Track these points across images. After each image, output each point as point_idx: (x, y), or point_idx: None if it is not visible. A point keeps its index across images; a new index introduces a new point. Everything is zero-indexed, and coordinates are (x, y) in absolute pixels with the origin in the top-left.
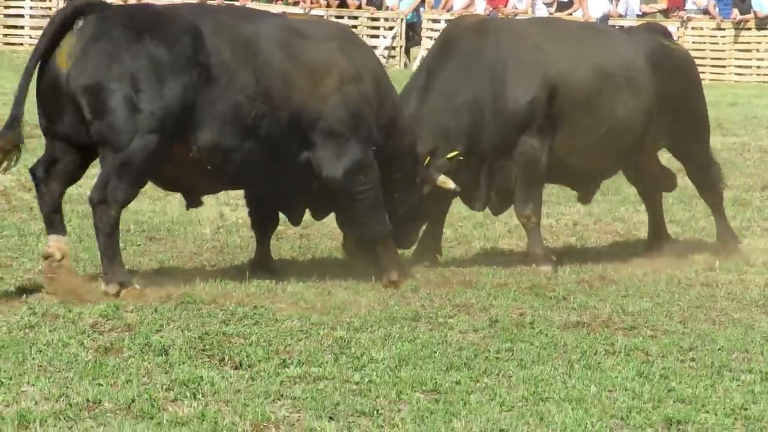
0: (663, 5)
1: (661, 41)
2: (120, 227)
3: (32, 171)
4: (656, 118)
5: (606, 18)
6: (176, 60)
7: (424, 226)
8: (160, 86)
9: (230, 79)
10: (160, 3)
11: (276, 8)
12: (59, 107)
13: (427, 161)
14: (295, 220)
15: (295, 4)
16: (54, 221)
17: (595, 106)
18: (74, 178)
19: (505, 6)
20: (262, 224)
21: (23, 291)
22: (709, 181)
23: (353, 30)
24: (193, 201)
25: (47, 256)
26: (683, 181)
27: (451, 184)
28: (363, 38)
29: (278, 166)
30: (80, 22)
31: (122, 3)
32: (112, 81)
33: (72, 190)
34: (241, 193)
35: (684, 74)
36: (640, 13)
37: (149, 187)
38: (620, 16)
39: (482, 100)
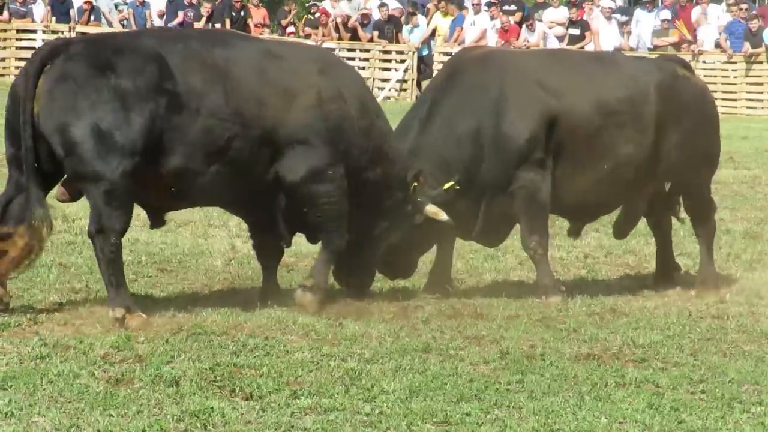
0: (675, 38)
1: (676, 72)
2: (132, 258)
3: None
4: (663, 152)
5: (619, 51)
6: (140, 89)
7: (421, 257)
8: (125, 116)
9: (200, 103)
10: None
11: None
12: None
13: (413, 188)
14: (285, 239)
15: (307, 36)
16: None
17: (596, 142)
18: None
19: (517, 39)
20: (265, 253)
21: (34, 322)
22: (705, 215)
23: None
24: (157, 221)
25: None
26: None
27: (443, 216)
28: (375, 71)
29: (249, 183)
30: (48, 66)
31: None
32: (79, 118)
33: (83, 222)
34: None
35: (697, 108)
36: (652, 47)
37: None
38: (631, 49)
39: (482, 132)
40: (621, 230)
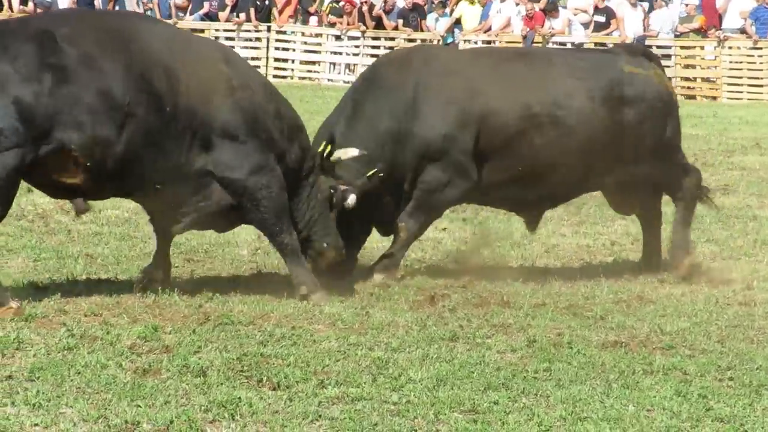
0: (697, 24)
1: (621, 68)
2: None
3: None
4: (609, 147)
5: (643, 38)
6: (18, 71)
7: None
8: (6, 101)
9: (95, 72)
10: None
11: (310, 30)
12: None
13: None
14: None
15: (332, 25)
16: None
17: (520, 143)
18: None
19: (542, 26)
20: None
21: (61, 313)
22: (682, 192)
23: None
24: (80, 207)
25: None
26: (720, 200)
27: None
28: None
29: (167, 170)
30: None
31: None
32: None
33: (110, 213)
34: None
35: (643, 103)
36: (678, 33)
37: None
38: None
39: (401, 132)
40: (621, 211)
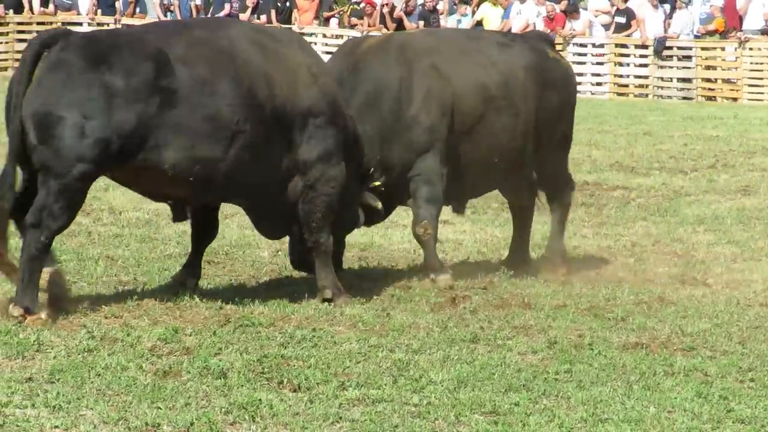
0: (713, 26)
1: (547, 53)
2: (179, 251)
3: None
4: (534, 132)
5: (663, 39)
6: (131, 88)
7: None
8: (110, 115)
9: (205, 97)
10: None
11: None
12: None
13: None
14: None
15: (353, 27)
16: None
17: (477, 128)
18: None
19: (563, 27)
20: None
21: (82, 315)
22: (559, 193)
23: None
24: (179, 215)
25: None
26: (741, 201)
27: (378, 204)
28: None
29: (267, 172)
30: (45, 53)
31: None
32: (62, 109)
33: (130, 215)
34: None
35: (563, 90)
36: (698, 34)
37: None
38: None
39: (389, 128)
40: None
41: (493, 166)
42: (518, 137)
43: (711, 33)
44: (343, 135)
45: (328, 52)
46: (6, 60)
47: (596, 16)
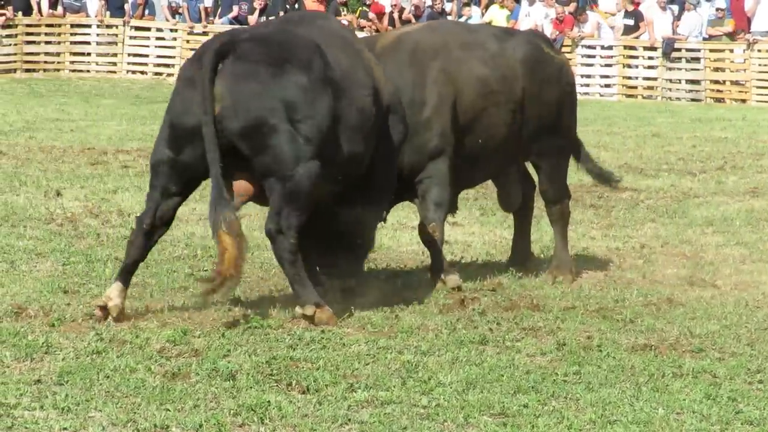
0: (729, 28)
1: (542, 48)
2: (188, 252)
3: (139, 219)
4: (528, 127)
5: (672, 41)
6: (316, 83)
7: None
8: (311, 112)
9: (353, 83)
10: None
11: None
12: (195, 149)
13: None
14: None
15: (362, 29)
16: (132, 271)
17: (476, 122)
18: (170, 222)
19: (571, 30)
20: None
21: (90, 317)
22: (559, 196)
23: None
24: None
25: (104, 308)
26: (750, 203)
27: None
28: None
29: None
30: (220, 65)
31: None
32: (268, 116)
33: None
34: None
35: (559, 84)
36: (707, 36)
37: None
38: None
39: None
40: (508, 204)
41: (487, 159)
42: (514, 129)
43: (729, 35)
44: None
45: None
46: (15, 62)
47: (606, 19)
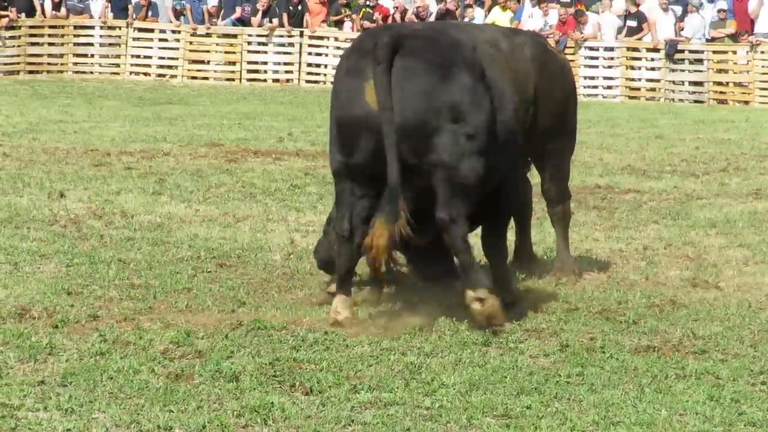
0: (731, 29)
1: (547, 46)
2: (191, 254)
3: (338, 228)
4: (534, 127)
5: (675, 43)
6: (479, 81)
7: None
8: (477, 110)
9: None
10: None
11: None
12: (365, 145)
13: None
14: None
15: (365, 30)
16: (350, 280)
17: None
18: (367, 221)
19: (574, 31)
20: None
21: (94, 318)
22: (561, 197)
23: None
24: None
25: (336, 324)
26: (753, 205)
27: None
28: None
29: None
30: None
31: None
32: (437, 116)
33: (142, 218)
34: (310, 219)
35: (564, 83)
36: (709, 38)
37: (218, 214)
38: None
39: None
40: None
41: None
42: (526, 129)
43: (732, 36)
44: None
45: (340, 56)
46: (18, 63)
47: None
